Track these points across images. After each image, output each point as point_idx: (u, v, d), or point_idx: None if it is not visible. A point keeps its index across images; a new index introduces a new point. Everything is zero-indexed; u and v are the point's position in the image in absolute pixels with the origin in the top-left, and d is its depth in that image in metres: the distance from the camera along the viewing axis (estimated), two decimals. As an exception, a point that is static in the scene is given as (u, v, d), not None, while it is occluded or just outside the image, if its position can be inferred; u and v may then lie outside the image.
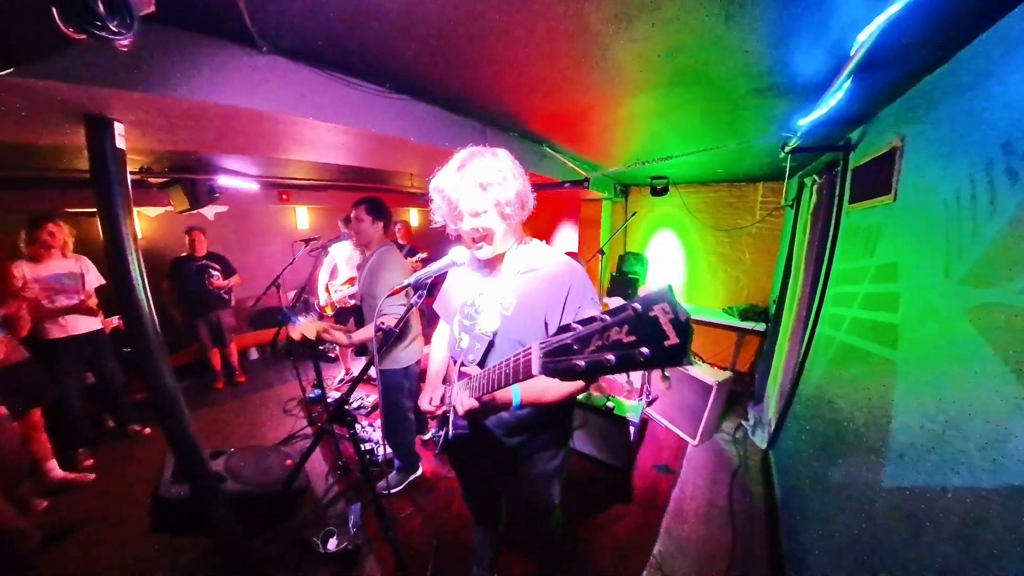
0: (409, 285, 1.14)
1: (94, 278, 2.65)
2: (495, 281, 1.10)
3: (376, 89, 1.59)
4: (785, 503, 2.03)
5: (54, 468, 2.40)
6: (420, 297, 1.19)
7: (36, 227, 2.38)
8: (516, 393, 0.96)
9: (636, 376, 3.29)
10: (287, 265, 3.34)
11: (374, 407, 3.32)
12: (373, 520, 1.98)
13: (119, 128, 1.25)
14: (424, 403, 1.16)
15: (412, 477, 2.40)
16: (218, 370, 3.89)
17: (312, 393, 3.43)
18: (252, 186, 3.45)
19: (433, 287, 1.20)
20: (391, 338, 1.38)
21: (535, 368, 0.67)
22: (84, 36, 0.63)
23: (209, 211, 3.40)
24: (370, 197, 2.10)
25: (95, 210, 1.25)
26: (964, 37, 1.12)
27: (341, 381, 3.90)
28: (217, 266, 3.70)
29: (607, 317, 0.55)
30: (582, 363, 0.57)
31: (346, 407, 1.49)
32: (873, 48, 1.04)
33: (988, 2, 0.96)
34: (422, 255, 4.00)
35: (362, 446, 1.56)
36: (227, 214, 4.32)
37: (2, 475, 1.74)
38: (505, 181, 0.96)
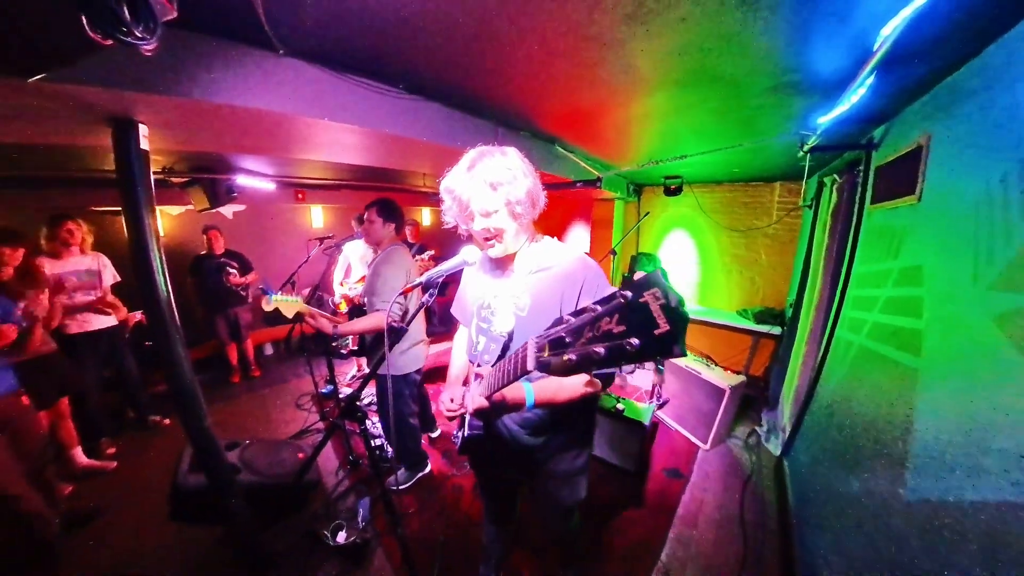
0: (420, 284, 1.14)
1: (110, 275, 2.74)
2: (508, 282, 1.10)
3: (389, 90, 1.61)
4: (799, 512, 1.98)
5: (79, 455, 2.50)
6: (431, 296, 1.19)
7: (55, 225, 2.47)
8: (529, 392, 0.95)
9: (645, 378, 3.25)
10: (302, 263, 3.41)
11: (378, 409, 3.36)
12: (382, 515, 2.01)
13: (143, 130, 1.30)
14: (443, 403, 1.16)
15: (420, 474, 2.42)
16: (234, 364, 4.00)
17: (324, 389, 3.50)
18: (269, 186, 3.53)
19: (445, 287, 1.20)
20: (399, 336, 1.40)
21: (529, 363, 0.66)
22: (111, 42, 0.66)
23: (228, 210, 3.50)
24: (382, 199, 2.12)
25: (119, 208, 1.30)
26: (995, 29, 1.07)
27: (353, 377, 3.97)
28: (235, 263, 3.80)
29: (598, 307, 0.53)
30: (573, 356, 0.54)
31: (357, 403, 1.51)
32: (897, 42, 1.00)
33: (1023, -7, 0.91)
34: (430, 252, 4.03)
35: (372, 442, 1.58)
36: (245, 213, 4.43)
37: (27, 462, 1.82)
38: (515, 180, 0.96)
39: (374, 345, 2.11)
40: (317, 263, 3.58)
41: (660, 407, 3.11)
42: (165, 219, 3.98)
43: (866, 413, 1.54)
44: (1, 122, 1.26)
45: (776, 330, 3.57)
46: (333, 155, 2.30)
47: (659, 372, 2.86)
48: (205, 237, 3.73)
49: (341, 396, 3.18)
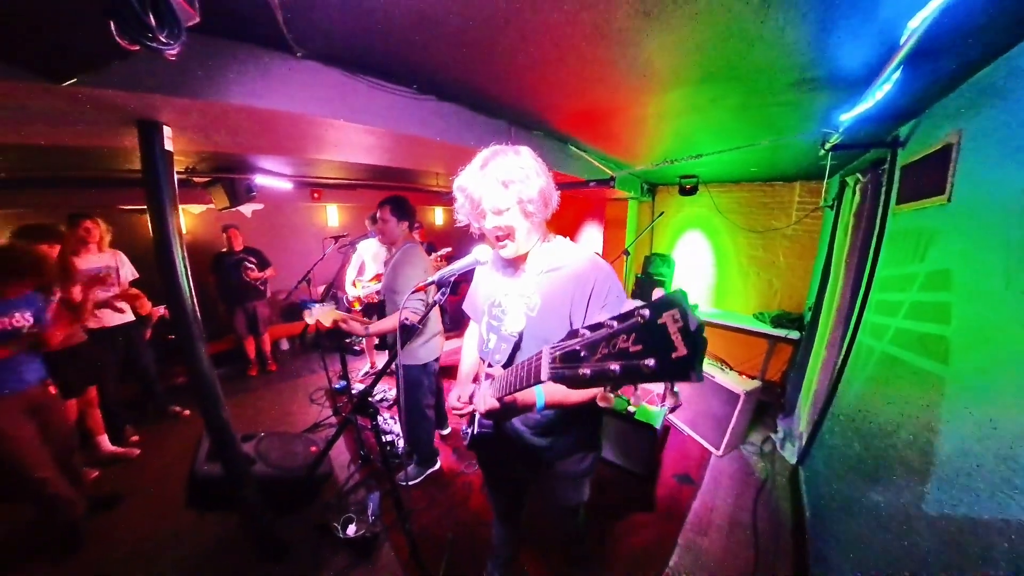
0: (433, 282, 1.15)
1: (128, 272, 2.84)
2: (519, 281, 1.10)
3: (403, 90, 1.63)
4: (815, 522, 1.92)
5: (105, 442, 2.63)
6: (443, 294, 1.20)
7: (74, 224, 2.57)
8: (540, 395, 0.96)
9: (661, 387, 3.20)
10: (317, 260, 3.49)
11: (396, 400, 3.41)
12: (391, 510, 2.04)
13: (167, 131, 1.35)
14: (453, 400, 1.17)
15: (430, 471, 2.45)
16: (252, 358, 4.12)
17: (338, 384, 3.57)
18: (286, 185, 3.62)
19: (457, 285, 1.21)
20: (413, 333, 1.42)
21: (543, 374, 0.66)
22: (137, 47, 0.69)
23: (247, 209, 3.60)
24: (394, 197, 2.15)
25: (144, 207, 1.35)
26: (1034, 21, 1.02)
27: (365, 374, 4.03)
28: (253, 259, 3.91)
29: (615, 324, 0.52)
30: (587, 371, 0.54)
31: (369, 399, 1.54)
32: (926, 35, 0.96)
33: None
34: (445, 250, 4.06)
35: (383, 438, 1.61)
36: (263, 212, 4.54)
37: (55, 448, 1.92)
38: (528, 179, 0.96)
39: (396, 341, 2.18)
40: (332, 261, 3.66)
41: (672, 411, 3.06)
42: (187, 217, 4.13)
43: (888, 422, 1.49)
44: (35, 124, 1.33)
45: (794, 334, 3.47)
46: (348, 155, 2.34)
47: (674, 394, 2.87)
48: (225, 235, 3.85)
49: (354, 392, 3.24)
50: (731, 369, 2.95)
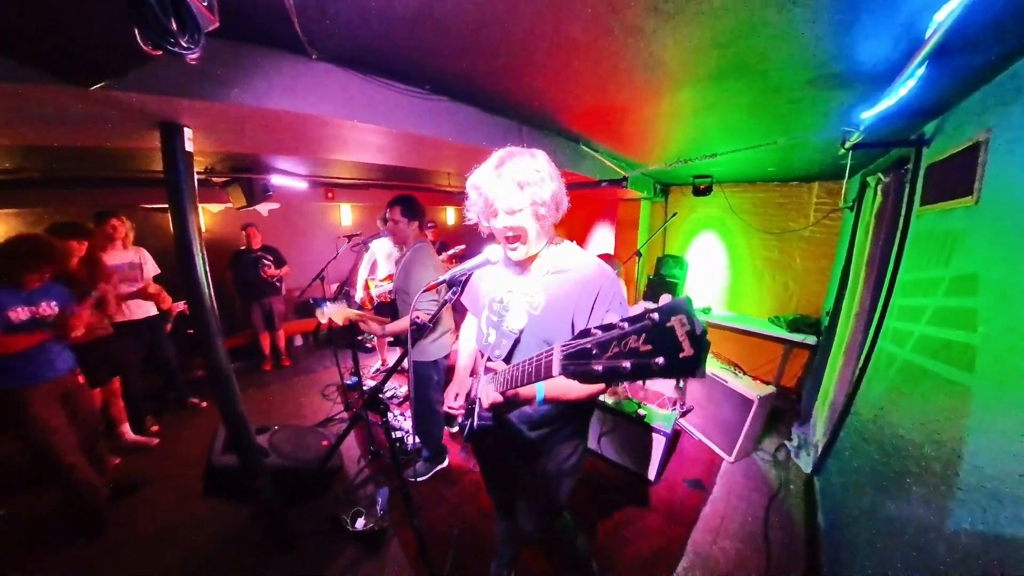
0: (444, 282, 1.16)
1: (151, 268, 2.96)
2: (524, 280, 1.12)
3: (415, 91, 1.64)
4: (829, 534, 1.87)
5: (127, 431, 2.74)
6: (455, 293, 1.21)
7: (101, 222, 2.70)
8: (540, 389, 0.98)
9: (668, 385, 3.16)
10: (331, 259, 3.55)
11: (406, 397, 3.45)
12: (399, 505, 2.07)
13: (188, 133, 1.39)
14: (450, 399, 1.19)
15: (438, 468, 2.47)
16: (267, 353, 4.23)
17: (349, 380, 3.63)
18: (301, 185, 3.70)
19: (466, 283, 1.23)
20: (424, 332, 1.43)
21: (555, 370, 0.70)
22: (160, 52, 0.71)
23: (263, 208, 3.70)
24: (404, 196, 2.17)
25: (166, 206, 1.40)
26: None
27: (377, 370, 4.09)
28: (270, 256, 4.02)
29: (625, 325, 0.57)
30: (599, 368, 0.59)
31: (380, 395, 1.56)
32: (953, 28, 0.92)
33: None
34: (458, 248, 4.08)
35: (393, 434, 1.63)
36: (278, 211, 4.65)
37: (82, 435, 2.01)
38: (542, 182, 0.98)
39: (412, 340, 2.22)
40: (345, 260, 3.72)
41: (683, 415, 3.02)
42: (206, 216, 4.25)
43: (909, 433, 1.43)
44: (65, 127, 1.39)
45: (811, 339, 3.38)
46: (361, 155, 2.37)
47: (679, 388, 2.90)
48: (244, 233, 3.97)
49: (365, 388, 3.29)
50: (744, 374, 2.89)
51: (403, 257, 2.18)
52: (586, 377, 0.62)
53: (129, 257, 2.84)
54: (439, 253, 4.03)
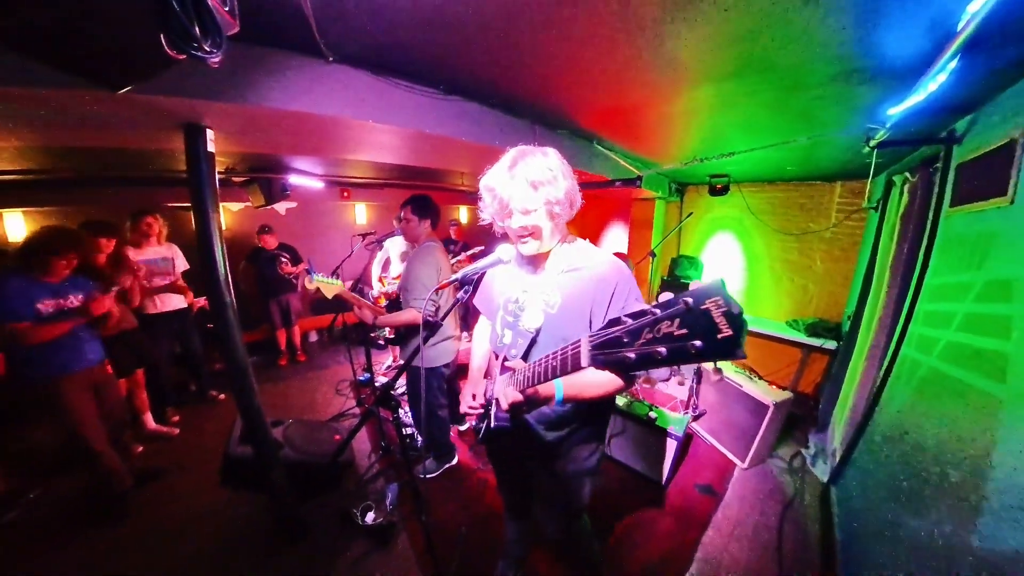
0: (456, 281, 1.17)
1: (181, 263, 3.09)
2: (539, 279, 1.11)
3: (430, 91, 1.66)
4: (846, 547, 1.81)
5: (149, 420, 2.85)
6: (466, 292, 1.21)
7: (137, 219, 2.84)
8: (559, 388, 0.97)
9: (683, 390, 3.11)
10: (345, 257, 3.61)
11: (404, 393, 3.48)
12: (408, 501, 2.09)
13: (210, 134, 1.44)
14: (467, 399, 1.18)
15: (447, 465, 2.49)
16: (283, 349, 4.34)
17: (362, 376, 3.69)
18: (318, 184, 3.77)
19: (478, 283, 1.23)
20: (433, 330, 1.44)
21: (584, 360, 0.69)
22: (184, 56, 0.74)
23: (281, 207, 3.79)
24: (416, 196, 2.18)
25: (187, 205, 1.45)
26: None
27: (388, 367, 4.15)
28: (287, 255, 4.12)
29: (658, 311, 0.56)
30: (632, 355, 0.58)
31: (392, 392, 1.58)
32: (988, 20, 0.87)
33: None
34: (478, 249, 4.10)
35: (403, 430, 1.65)
36: (296, 210, 4.76)
37: (109, 423, 2.09)
38: (555, 180, 0.98)
39: (407, 337, 2.21)
40: (360, 258, 3.77)
41: (695, 419, 2.96)
42: (226, 214, 4.38)
43: (933, 444, 1.37)
44: (95, 129, 1.45)
45: (830, 344, 3.28)
46: (376, 155, 2.41)
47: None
48: (259, 239, 4.09)
49: (377, 384, 3.34)
50: (760, 378, 2.82)
51: (409, 256, 2.19)
52: (618, 366, 0.62)
53: (162, 252, 2.98)
54: (460, 253, 4.06)
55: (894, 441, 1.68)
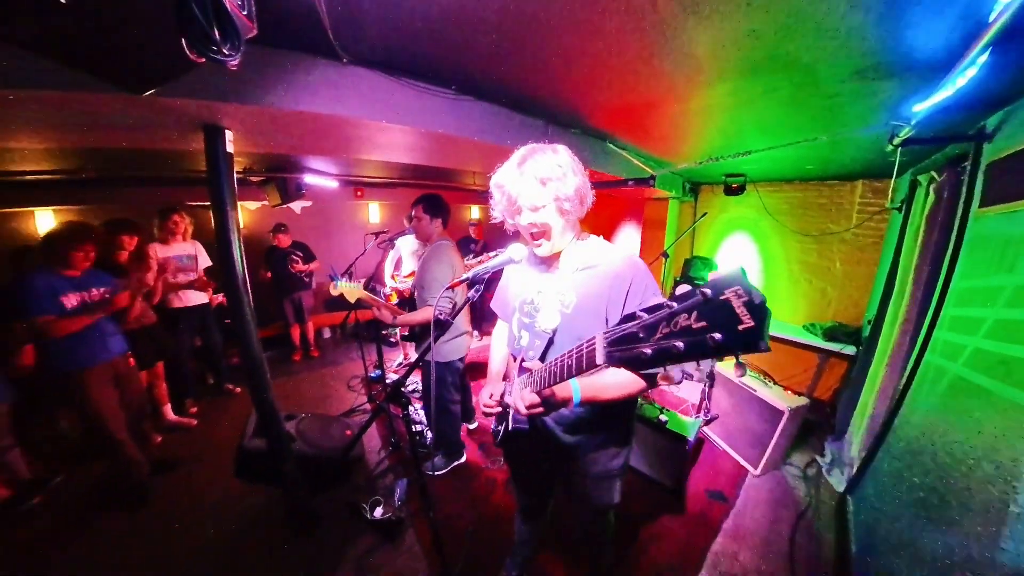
0: (467, 279, 1.17)
1: (204, 260, 3.19)
2: (553, 278, 1.10)
3: (442, 91, 1.67)
4: (862, 560, 1.75)
5: (168, 411, 2.95)
6: (477, 291, 1.21)
7: (164, 217, 2.95)
8: (576, 390, 0.95)
9: (693, 390, 3.06)
10: (359, 255, 3.66)
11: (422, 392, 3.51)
12: (417, 498, 2.11)
13: (228, 135, 1.47)
14: (484, 398, 1.18)
15: (456, 463, 2.50)
16: (296, 344, 4.43)
17: (373, 373, 3.74)
18: (332, 184, 3.84)
19: (490, 283, 1.22)
20: (446, 328, 1.44)
21: (599, 358, 0.67)
22: (203, 59, 0.76)
23: (296, 205, 3.88)
24: (428, 195, 2.20)
25: (206, 204, 1.49)
26: None
27: (400, 364, 4.20)
28: (299, 253, 4.21)
29: (674, 304, 0.54)
30: (648, 351, 0.56)
31: (402, 389, 1.60)
32: (1022, 9, 0.83)
33: None
34: (498, 251, 4.11)
35: (413, 427, 1.67)
36: (310, 209, 4.86)
37: (130, 413, 2.17)
38: (564, 177, 0.97)
39: (422, 334, 2.25)
40: (372, 256, 3.82)
41: (707, 423, 2.91)
42: (244, 213, 4.49)
43: (958, 455, 1.32)
44: (118, 131, 1.51)
45: (849, 349, 3.18)
46: (390, 155, 2.43)
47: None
48: (273, 238, 4.18)
49: (388, 381, 3.38)
50: (775, 383, 2.75)
51: (423, 255, 2.22)
52: (634, 362, 0.59)
53: (187, 249, 3.09)
54: (481, 253, 4.08)
55: (917, 451, 1.62)
